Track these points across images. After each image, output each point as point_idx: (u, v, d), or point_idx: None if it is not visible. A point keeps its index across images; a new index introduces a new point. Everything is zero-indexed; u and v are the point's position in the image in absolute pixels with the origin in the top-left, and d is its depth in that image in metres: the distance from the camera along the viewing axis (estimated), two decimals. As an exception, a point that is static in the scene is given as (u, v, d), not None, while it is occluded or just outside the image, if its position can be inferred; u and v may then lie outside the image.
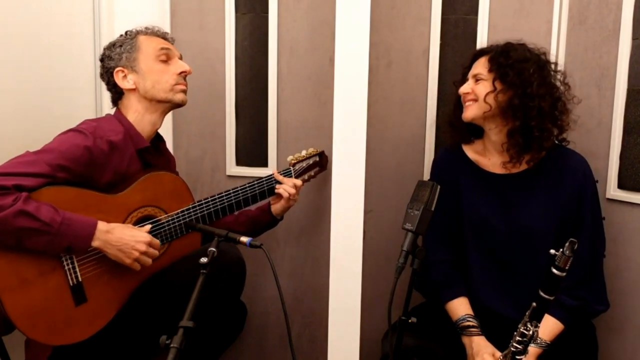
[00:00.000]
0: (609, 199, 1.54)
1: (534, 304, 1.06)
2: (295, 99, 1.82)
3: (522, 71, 1.34)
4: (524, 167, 1.41)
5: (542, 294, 1.04)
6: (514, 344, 1.11)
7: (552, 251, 1.02)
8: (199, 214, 1.48)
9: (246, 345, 1.91)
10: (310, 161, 1.68)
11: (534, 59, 1.37)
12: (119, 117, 1.45)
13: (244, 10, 1.81)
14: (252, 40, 1.82)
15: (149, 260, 1.34)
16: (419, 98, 1.76)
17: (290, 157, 1.65)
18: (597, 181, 1.43)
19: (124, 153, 1.39)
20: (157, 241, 1.36)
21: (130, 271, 1.35)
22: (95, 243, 1.27)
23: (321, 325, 1.82)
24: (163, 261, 1.42)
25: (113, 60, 1.46)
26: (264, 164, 1.86)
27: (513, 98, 1.35)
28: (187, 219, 1.46)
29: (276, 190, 1.59)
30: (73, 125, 1.37)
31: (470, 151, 1.50)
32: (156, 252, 1.35)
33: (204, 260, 1.17)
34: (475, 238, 1.45)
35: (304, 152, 1.68)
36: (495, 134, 1.42)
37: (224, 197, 1.52)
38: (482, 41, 1.70)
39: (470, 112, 1.41)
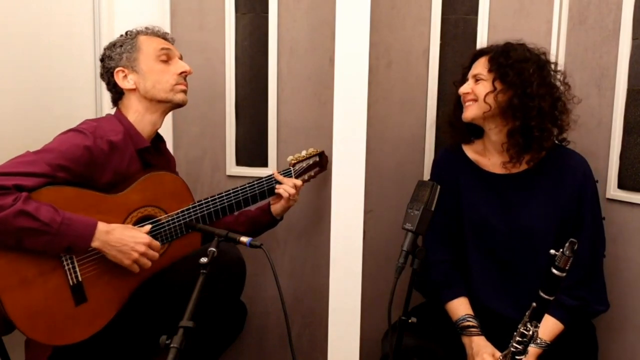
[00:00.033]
0: (609, 199, 1.54)
1: (534, 304, 1.06)
2: (295, 99, 1.82)
3: (522, 71, 1.34)
4: (524, 167, 1.41)
5: (542, 294, 1.04)
6: (514, 344, 1.11)
7: (552, 251, 1.02)
8: (199, 214, 1.48)
9: (246, 345, 1.91)
10: (310, 161, 1.68)
11: (534, 59, 1.37)
12: (119, 117, 1.45)
13: (244, 10, 1.81)
14: (252, 40, 1.82)
15: (148, 262, 1.34)
16: (419, 98, 1.76)
17: (290, 157, 1.65)
18: (597, 181, 1.43)
19: (124, 153, 1.39)
20: (157, 243, 1.36)
21: (130, 271, 1.34)
22: (95, 243, 1.27)
23: (321, 325, 1.82)
24: (163, 261, 1.42)
25: (113, 60, 1.46)
26: (264, 164, 1.86)
27: (513, 98, 1.35)
28: (187, 219, 1.46)
29: (276, 191, 1.59)
30: (73, 125, 1.37)
31: (470, 151, 1.50)
32: (156, 254, 1.35)
33: (204, 260, 1.17)
34: (475, 238, 1.45)
35: (304, 152, 1.68)
36: (495, 134, 1.42)
37: (224, 197, 1.52)
38: (482, 41, 1.70)
39: (470, 112, 1.41)
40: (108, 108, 1.59)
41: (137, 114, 1.46)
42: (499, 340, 1.31)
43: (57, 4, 1.63)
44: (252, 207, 1.63)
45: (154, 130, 1.50)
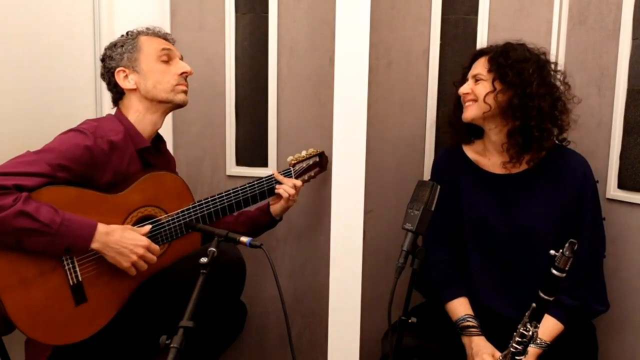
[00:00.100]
0: (609, 199, 1.54)
1: (534, 304, 1.06)
2: (295, 99, 1.82)
3: (522, 71, 1.34)
4: (524, 167, 1.41)
5: (541, 294, 1.04)
6: (514, 345, 1.11)
7: (552, 252, 1.01)
8: (199, 214, 1.48)
9: (246, 345, 1.91)
10: (310, 161, 1.68)
11: (534, 59, 1.37)
12: (120, 117, 1.46)
13: (244, 10, 1.81)
14: (252, 40, 1.82)
15: (145, 265, 1.34)
16: (419, 98, 1.76)
17: (290, 158, 1.65)
18: (597, 181, 1.43)
19: (124, 153, 1.39)
20: (155, 246, 1.36)
21: (130, 271, 1.35)
22: (95, 245, 1.27)
23: (321, 325, 1.82)
24: (163, 261, 1.42)
25: (114, 60, 1.46)
26: (264, 164, 1.86)
27: (513, 98, 1.35)
28: (187, 219, 1.46)
29: (276, 191, 1.59)
30: (73, 125, 1.37)
31: (470, 151, 1.50)
32: (154, 257, 1.35)
33: (204, 260, 1.17)
34: (475, 238, 1.45)
35: (304, 153, 1.68)
36: (495, 134, 1.42)
37: (224, 197, 1.52)
38: (482, 41, 1.70)
39: (470, 112, 1.41)
40: (108, 108, 1.59)
41: (137, 114, 1.46)
42: (499, 340, 1.31)
43: (57, 4, 1.63)
44: (252, 208, 1.63)
45: (155, 130, 1.50)
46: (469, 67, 1.46)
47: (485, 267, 1.43)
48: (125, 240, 1.30)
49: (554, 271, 1.01)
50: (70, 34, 1.69)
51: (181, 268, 1.41)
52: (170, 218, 1.44)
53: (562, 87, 1.42)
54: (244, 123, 1.86)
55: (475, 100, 1.40)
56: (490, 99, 1.36)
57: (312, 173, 1.69)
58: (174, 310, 1.17)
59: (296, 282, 1.89)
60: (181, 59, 1.51)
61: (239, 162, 1.88)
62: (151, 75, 1.44)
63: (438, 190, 1.17)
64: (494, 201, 1.43)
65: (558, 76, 1.42)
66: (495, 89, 1.36)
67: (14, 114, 1.51)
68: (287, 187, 1.58)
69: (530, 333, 1.08)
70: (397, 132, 1.78)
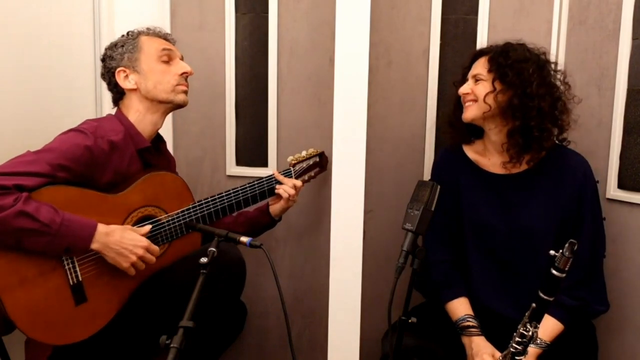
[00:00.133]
0: (609, 199, 1.54)
1: (534, 304, 1.06)
2: (295, 99, 1.82)
3: (522, 71, 1.34)
4: (524, 167, 1.41)
5: (541, 294, 1.04)
6: (514, 345, 1.11)
7: (552, 252, 1.01)
8: (199, 214, 1.48)
9: (246, 345, 1.91)
10: (311, 162, 1.68)
11: (534, 58, 1.37)
12: (120, 117, 1.46)
13: (244, 10, 1.81)
14: (252, 40, 1.82)
15: (144, 265, 1.34)
16: (419, 98, 1.76)
17: (290, 158, 1.65)
18: (597, 181, 1.43)
19: (124, 153, 1.39)
20: (155, 247, 1.36)
21: (130, 271, 1.35)
22: (95, 245, 1.27)
23: (321, 325, 1.82)
24: (163, 261, 1.42)
25: (115, 60, 1.46)
26: (264, 164, 1.86)
27: (512, 98, 1.35)
28: (188, 219, 1.46)
29: (276, 191, 1.59)
30: (73, 125, 1.37)
31: (470, 151, 1.50)
32: (153, 258, 1.35)
33: (204, 260, 1.17)
34: (475, 238, 1.45)
35: (304, 153, 1.68)
36: (495, 134, 1.42)
37: (224, 197, 1.52)
38: (482, 41, 1.70)
39: (470, 112, 1.41)
40: (108, 108, 1.59)
41: (138, 114, 1.46)
42: (499, 340, 1.31)
43: (57, 4, 1.63)
44: (251, 208, 1.63)
45: (155, 130, 1.50)
46: (469, 67, 1.46)
47: (485, 267, 1.43)
48: (125, 241, 1.30)
49: (553, 271, 1.01)
50: (70, 34, 1.69)
51: (181, 268, 1.41)
52: (170, 218, 1.44)
53: (562, 87, 1.41)
54: (244, 123, 1.86)
55: (475, 101, 1.40)
56: (490, 99, 1.36)
57: (312, 173, 1.69)
58: (174, 310, 1.17)
59: (296, 282, 1.89)
60: (181, 59, 1.52)
61: (239, 162, 1.88)
62: (151, 75, 1.45)
63: (438, 190, 1.17)
64: (494, 201, 1.43)
65: (558, 76, 1.42)
66: (495, 89, 1.36)
67: (14, 114, 1.51)
68: (287, 187, 1.58)
69: (530, 333, 1.08)
70: (397, 132, 1.78)
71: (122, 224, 1.36)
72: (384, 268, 1.74)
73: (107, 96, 1.55)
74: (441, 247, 1.48)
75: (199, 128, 1.87)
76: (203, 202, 1.49)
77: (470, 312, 1.40)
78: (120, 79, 1.45)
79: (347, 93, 1.40)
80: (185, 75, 1.49)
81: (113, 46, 1.48)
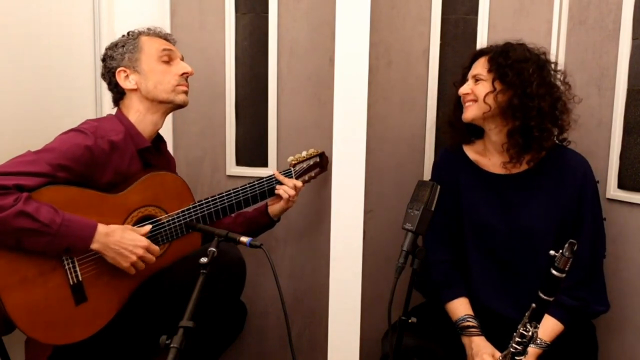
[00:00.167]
0: (609, 199, 1.54)
1: (534, 305, 1.06)
2: (295, 99, 1.82)
3: (522, 71, 1.34)
4: (524, 167, 1.41)
5: (541, 295, 1.04)
6: (514, 345, 1.11)
7: (552, 252, 1.01)
8: (200, 214, 1.48)
9: (246, 345, 1.91)
10: (311, 162, 1.68)
11: (534, 58, 1.37)
12: (120, 117, 1.46)
13: (244, 10, 1.81)
14: (252, 40, 1.82)
15: (144, 265, 1.34)
16: (419, 98, 1.76)
17: (290, 158, 1.65)
18: (598, 182, 1.43)
19: (124, 153, 1.39)
20: (155, 247, 1.36)
21: (130, 271, 1.35)
22: (95, 245, 1.27)
23: (321, 325, 1.82)
24: (163, 261, 1.42)
25: (115, 60, 1.46)
26: (264, 164, 1.86)
27: (512, 98, 1.35)
28: (188, 219, 1.46)
29: (276, 191, 1.58)
30: (73, 125, 1.37)
31: (470, 151, 1.50)
32: (153, 258, 1.35)
33: (204, 260, 1.17)
34: (475, 238, 1.45)
35: (304, 153, 1.68)
36: (495, 134, 1.42)
37: (225, 198, 1.52)
38: (482, 41, 1.70)
39: (470, 112, 1.41)
40: (108, 108, 1.59)
41: (138, 114, 1.46)
42: (499, 341, 1.31)
43: (57, 4, 1.63)
44: (250, 209, 1.63)
45: (155, 130, 1.50)
46: (469, 67, 1.46)
47: (485, 267, 1.43)
48: (124, 241, 1.30)
49: (553, 271, 1.01)
50: (70, 34, 1.69)
51: (181, 268, 1.41)
52: (170, 218, 1.44)
53: (562, 87, 1.41)
54: (244, 123, 1.86)
55: (475, 101, 1.40)
56: (490, 99, 1.36)
57: (312, 173, 1.69)
58: (174, 310, 1.17)
59: (296, 282, 1.89)
60: (182, 59, 1.52)
61: (239, 162, 1.88)
62: (152, 75, 1.45)
63: (438, 190, 1.17)
64: (494, 201, 1.43)
65: (558, 76, 1.42)
66: (495, 89, 1.36)
67: (14, 114, 1.51)
68: (287, 187, 1.58)
69: (530, 333, 1.08)
70: (397, 132, 1.78)
71: (122, 224, 1.36)
72: (384, 268, 1.74)
73: (107, 96, 1.55)
74: (441, 247, 1.48)
75: (199, 128, 1.87)
76: (203, 202, 1.49)
77: (470, 312, 1.40)
78: (120, 79, 1.45)
79: (347, 93, 1.40)
80: (185, 76, 1.49)
81: (113, 46, 1.48)
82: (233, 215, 1.59)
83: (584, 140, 1.52)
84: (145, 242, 1.33)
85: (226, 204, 1.52)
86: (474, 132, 1.49)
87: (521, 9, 1.68)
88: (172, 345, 1.02)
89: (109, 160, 1.35)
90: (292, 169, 1.63)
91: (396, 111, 1.78)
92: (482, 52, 1.44)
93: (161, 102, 1.46)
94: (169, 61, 1.47)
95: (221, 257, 1.22)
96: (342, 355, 1.47)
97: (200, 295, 1.12)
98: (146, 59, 1.45)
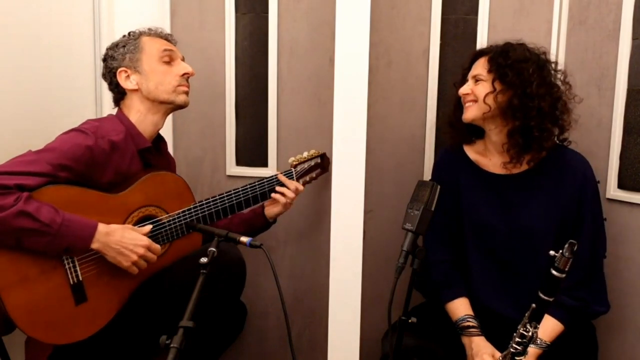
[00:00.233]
0: (609, 199, 1.54)
1: (534, 305, 1.06)
2: (295, 99, 1.82)
3: (522, 71, 1.34)
4: (524, 167, 1.41)
5: (541, 295, 1.04)
6: (514, 345, 1.11)
7: (552, 252, 1.01)
8: (200, 215, 1.48)
9: (246, 345, 1.91)
10: (312, 163, 1.68)
11: (534, 58, 1.37)
12: (121, 117, 1.46)
13: (244, 10, 1.81)
14: (252, 40, 1.82)
15: (145, 264, 1.34)
16: (419, 98, 1.76)
17: (291, 159, 1.65)
18: (598, 182, 1.43)
19: (125, 153, 1.39)
20: (156, 245, 1.36)
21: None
22: (95, 245, 1.27)
23: (321, 325, 1.82)
24: (164, 261, 1.42)
25: (116, 60, 1.46)
26: (264, 164, 1.86)
27: (512, 98, 1.35)
28: (188, 219, 1.46)
29: (273, 195, 1.57)
30: (73, 125, 1.37)
31: (471, 151, 1.50)
32: (154, 257, 1.36)
33: (204, 260, 1.17)
34: (475, 238, 1.45)
35: (305, 154, 1.68)
36: (495, 134, 1.42)
37: (225, 198, 1.52)
38: (482, 41, 1.70)
39: (470, 113, 1.41)
40: (108, 108, 1.59)
41: (139, 114, 1.46)
42: (499, 341, 1.31)
43: (57, 4, 1.63)
44: (246, 210, 1.62)
45: (156, 130, 1.50)
46: (469, 68, 1.46)
47: (485, 267, 1.43)
48: (125, 240, 1.30)
49: (553, 272, 1.01)
50: (70, 34, 1.69)
51: (181, 268, 1.41)
52: (171, 218, 1.44)
53: (563, 87, 1.41)
54: (244, 123, 1.86)
55: (475, 101, 1.40)
56: (490, 100, 1.36)
57: (313, 174, 1.69)
58: (174, 310, 1.17)
59: (296, 282, 1.89)
60: (183, 59, 1.52)
61: (239, 162, 1.88)
62: (153, 76, 1.45)
63: (438, 190, 1.17)
64: (494, 201, 1.43)
65: (559, 76, 1.42)
66: (495, 89, 1.36)
67: (15, 114, 1.51)
68: (287, 190, 1.57)
69: (530, 333, 1.08)
70: (397, 132, 1.78)
71: (123, 223, 1.36)
72: (384, 268, 1.74)
73: (107, 96, 1.55)
74: (441, 247, 1.48)
75: (199, 128, 1.87)
76: (204, 202, 1.49)
77: (471, 312, 1.40)
78: (121, 79, 1.46)
79: (347, 93, 1.40)
80: (186, 76, 1.49)
81: (114, 46, 1.48)
82: (229, 216, 1.59)
83: (584, 140, 1.52)
84: (146, 241, 1.33)
85: (227, 205, 1.52)
86: (475, 132, 1.49)
87: (521, 9, 1.68)
88: (172, 345, 1.02)
89: (109, 160, 1.35)
90: (293, 169, 1.63)
91: (396, 111, 1.78)
92: (482, 53, 1.44)
93: (162, 102, 1.46)
94: (170, 62, 1.47)
95: (221, 257, 1.22)
96: (342, 355, 1.47)
97: (200, 295, 1.12)
98: (147, 60, 1.45)
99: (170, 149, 1.73)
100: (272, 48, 1.80)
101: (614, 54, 1.53)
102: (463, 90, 1.43)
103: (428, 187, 1.16)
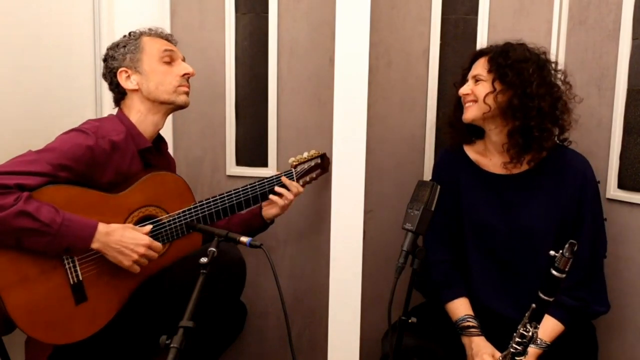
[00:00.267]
0: (609, 199, 1.54)
1: (534, 305, 1.06)
2: (295, 99, 1.82)
3: (522, 71, 1.34)
4: (524, 167, 1.41)
5: (541, 295, 1.04)
6: (514, 345, 1.11)
7: (552, 252, 1.01)
8: (200, 215, 1.48)
9: (246, 345, 1.91)
10: (312, 163, 1.68)
11: (534, 58, 1.37)
12: (121, 117, 1.46)
13: (244, 10, 1.81)
14: (252, 40, 1.82)
15: (147, 262, 1.34)
16: (419, 98, 1.76)
17: (291, 159, 1.65)
18: (599, 182, 1.43)
19: (125, 153, 1.39)
20: (157, 244, 1.36)
21: (131, 271, 1.34)
22: (95, 245, 1.27)
23: (321, 325, 1.82)
24: (164, 261, 1.42)
25: (117, 60, 1.46)
26: (264, 164, 1.86)
27: (512, 98, 1.35)
28: (189, 219, 1.46)
29: (271, 197, 1.57)
30: (73, 125, 1.37)
31: (471, 151, 1.50)
32: (156, 255, 1.36)
33: (204, 260, 1.16)
34: (475, 238, 1.45)
35: (305, 154, 1.68)
36: (495, 134, 1.42)
37: (226, 198, 1.52)
38: (482, 41, 1.70)
39: (470, 113, 1.41)
40: (109, 108, 1.59)
41: (139, 114, 1.46)
42: (499, 341, 1.31)
43: (57, 4, 1.63)
44: (244, 210, 1.62)
45: (156, 130, 1.50)
46: (469, 68, 1.46)
47: (485, 267, 1.43)
48: (125, 240, 1.30)
49: (553, 272, 1.01)
50: (70, 34, 1.69)
51: (181, 268, 1.41)
52: (171, 218, 1.44)
53: (563, 87, 1.41)
54: (244, 123, 1.86)
55: (475, 101, 1.40)
56: (490, 100, 1.36)
57: (313, 175, 1.69)
58: (174, 310, 1.17)
59: (296, 282, 1.89)
60: (183, 60, 1.52)
61: (239, 162, 1.88)
62: (153, 76, 1.45)
63: (438, 190, 1.17)
64: (494, 201, 1.43)
65: (559, 75, 1.42)
66: (495, 89, 1.36)
67: (15, 114, 1.51)
68: (288, 192, 1.57)
69: (530, 333, 1.08)
70: (397, 132, 1.78)
71: (123, 223, 1.36)
72: (384, 268, 1.74)
73: (107, 96, 1.55)
74: (441, 247, 1.48)
75: (199, 128, 1.87)
76: (204, 202, 1.49)
77: (471, 312, 1.40)
78: (122, 79, 1.46)
79: (347, 93, 1.40)
80: (187, 77, 1.49)
81: (115, 46, 1.48)
82: (228, 217, 1.58)
83: (584, 140, 1.52)
84: (146, 240, 1.33)
85: (227, 205, 1.52)
86: (475, 132, 1.49)
87: (521, 9, 1.68)
88: (172, 345, 1.02)
89: (109, 160, 1.35)
90: (294, 170, 1.63)
91: (396, 111, 1.78)
92: (482, 53, 1.44)
93: (162, 102, 1.46)
94: (170, 62, 1.47)
95: (221, 257, 1.22)
96: (342, 355, 1.47)
97: (200, 295, 1.12)
98: (148, 60, 1.45)
99: (170, 149, 1.73)
100: (272, 48, 1.80)
101: (614, 54, 1.53)
102: (463, 90, 1.43)
103: (428, 187, 1.16)
